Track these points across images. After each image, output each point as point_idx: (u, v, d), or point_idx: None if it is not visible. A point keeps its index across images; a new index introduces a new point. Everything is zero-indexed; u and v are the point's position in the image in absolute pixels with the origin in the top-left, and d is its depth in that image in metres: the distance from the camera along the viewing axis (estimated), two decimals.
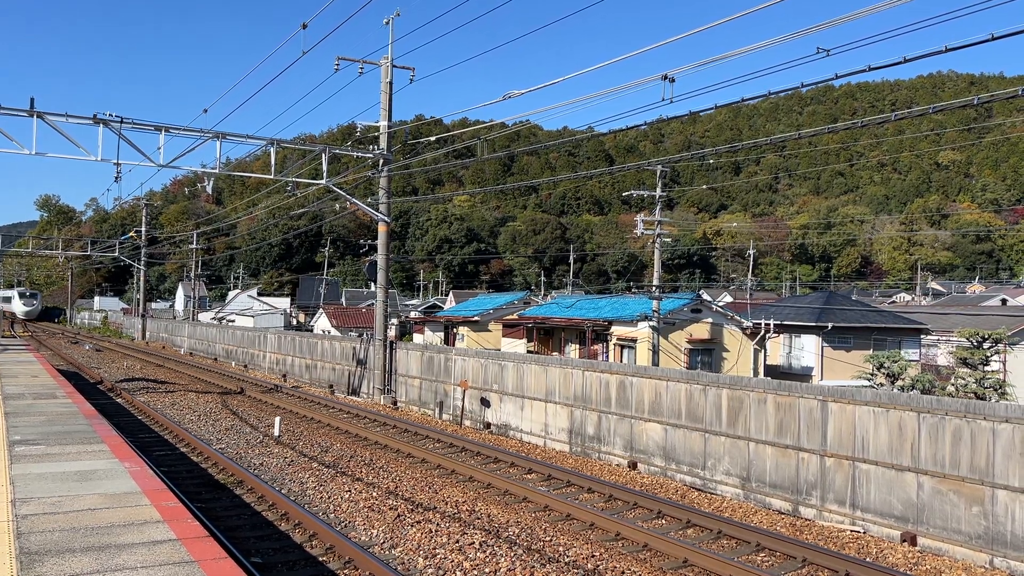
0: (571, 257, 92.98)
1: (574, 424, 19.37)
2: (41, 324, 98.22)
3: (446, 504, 12.76)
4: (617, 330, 34.02)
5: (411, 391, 26.75)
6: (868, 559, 11.12)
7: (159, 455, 16.10)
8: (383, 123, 27.40)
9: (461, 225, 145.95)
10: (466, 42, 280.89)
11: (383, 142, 27.30)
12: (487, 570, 9.58)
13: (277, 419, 19.30)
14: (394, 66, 27.43)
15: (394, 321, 48.08)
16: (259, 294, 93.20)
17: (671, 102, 15.15)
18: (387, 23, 27.16)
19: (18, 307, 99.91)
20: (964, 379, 30.92)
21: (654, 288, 32.99)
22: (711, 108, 17.40)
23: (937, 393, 29.86)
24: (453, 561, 9.88)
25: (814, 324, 39.75)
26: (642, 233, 34.28)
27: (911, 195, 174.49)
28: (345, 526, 11.43)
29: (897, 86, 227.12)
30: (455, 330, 46.07)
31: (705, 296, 47.95)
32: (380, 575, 9.16)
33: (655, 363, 30.74)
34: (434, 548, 10.37)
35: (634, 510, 13.28)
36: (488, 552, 10.25)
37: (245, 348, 42.71)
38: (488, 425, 22.49)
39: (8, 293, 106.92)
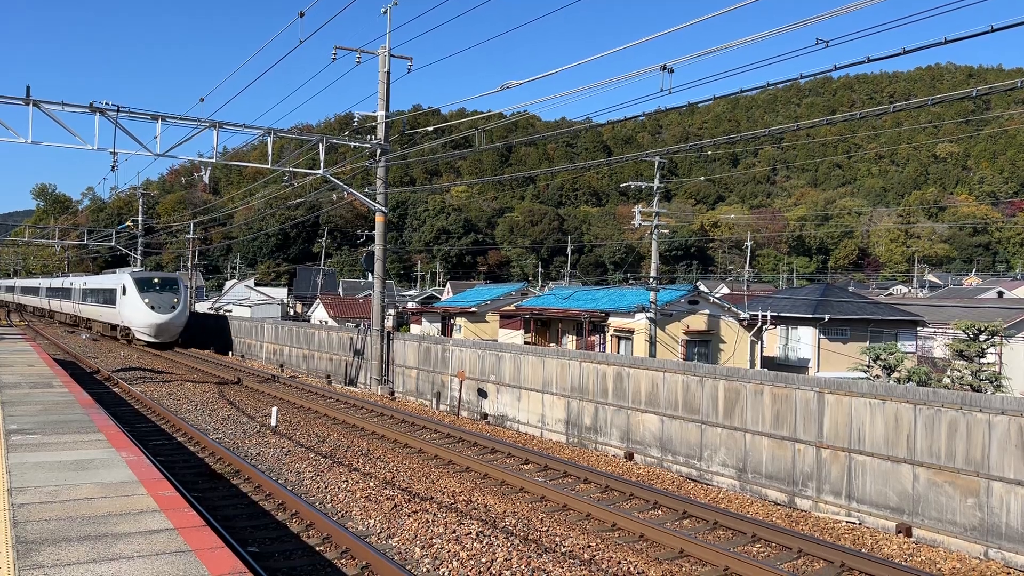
0: (568, 248, 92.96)
1: (571, 415, 19.40)
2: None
3: (443, 494, 12.77)
4: (614, 321, 34.03)
5: (408, 382, 26.75)
6: (863, 550, 11.15)
7: (156, 445, 16.09)
8: (380, 113, 27.30)
9: (458, 216, 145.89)
10: (464, 32, 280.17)
11: (380, 132, 27.21)
12: (484, 560, 9.60)
13: (274, 409, 19.30)
14: (392, 55, 27.31)
15: (391, 312, 48.06)
16: (256, 284, 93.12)
17: (670, 93, 15.12)
18: (385, 12, 27.04)
19: (142, 314, 40.49)
20: (960, 371, 31.01)
21: (651, 279, 32.99)
22: (709, 99, 17.35)
23: (933, 385, 29.94)
24: (450, 551, 9.89)
25: (811, 316, 39.80)
26: (640, 224, 34.25)
27: (908, 187, 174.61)
28: (342, 516, 11.44)
29: (895, 78, 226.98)
30: (452, 321, 46.06)
31: (702, 288, 47.97)
32: (377, 565, 9.17)
33: (652, 354, 30.77)
34: (431, 538, 10.38)
35: (630, 501, 13.31)
36: (485, 542, 10.27)
37: (242, 338, 42.66)
38: (485, 416, 22.51)
39: (111, 280, 45.14)
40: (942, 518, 11.91)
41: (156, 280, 41.26)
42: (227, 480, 13.37)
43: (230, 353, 42.57)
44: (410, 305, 63.06)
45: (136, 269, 47.91)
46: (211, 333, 46.32)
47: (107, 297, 44.59)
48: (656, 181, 32.90)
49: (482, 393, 22.79)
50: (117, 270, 48.09)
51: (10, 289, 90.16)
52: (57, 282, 63.28)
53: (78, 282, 54.01)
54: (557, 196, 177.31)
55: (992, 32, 11.66)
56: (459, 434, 18.40)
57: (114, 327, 44.21)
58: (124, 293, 41.01)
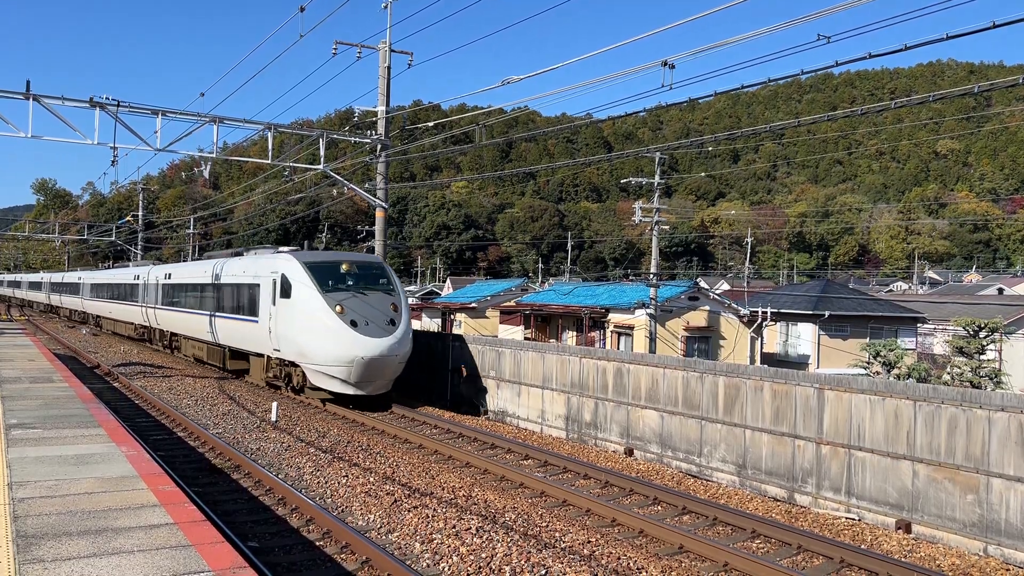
0: (569, 244, 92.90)
1: (571, 411, 19.40)
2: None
3: (443, 489, 12.78)
4: (614, 317, 34.05)
5: None
6: (863, 546, 11.17)
7: (156, 439, 16.10)
8: (381, 108, 27.26)
9: (459, 211, 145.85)
10: (465, 27, 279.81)
11: (381, 127, 27.18)
12: (484, 555, 9.61)
13: (274, 404, 19.29)
14: (392, 51, 27.26)
15: None
16: None
17: (670, 88, 15.12)
18: (385, 7, 26.97)
19: (334, 337, 19.15)
20: (960, 368, 31.03)
21: (651, 276, 32.98)
22: (710, 95, 17.36)
23: (933, 382, 29.96)
24: (450, 546, 9.90)
25: (811, 312, 39.82)
26: (640, 220, 34.28)
27: (909, 184, 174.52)
28: (342, 511, 11.45)
29: (896, 74, 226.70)
30: (452, 316, 46.10)
31: (702, 284, 47.97)
32: (377, 559, 9.18)
33: (652, 350, 30.77)
34: (431, 533, 10.39)
35: (630, 496, 13.31)
36: (485, 537, 10.28)
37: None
38: (485, 411, 22.51)
39: (242, 266, 24.08)
40: (941, 514, 11.92)
41: (347, 267, 20.85)
42: (227, 475, 13.38)
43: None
44: (410, 301, 63.03)
45: (287, 248, 24.06)
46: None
47: (231, 300, 24.42)
48: (656, 177, 32.88)
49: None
50: (248, 250, 26.85)
51: (36, 285, 73.64)
52: (111, 275, 43.90)
53: (155, 274, 33.88)
54: (557, 192, 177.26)
55: (994, 28, 11.64)
56: (459, 430, 18.41)
57: (243, 355, 24.76)
58: (282, 292, 20.74)
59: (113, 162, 23.22)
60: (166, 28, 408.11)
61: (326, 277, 20.29)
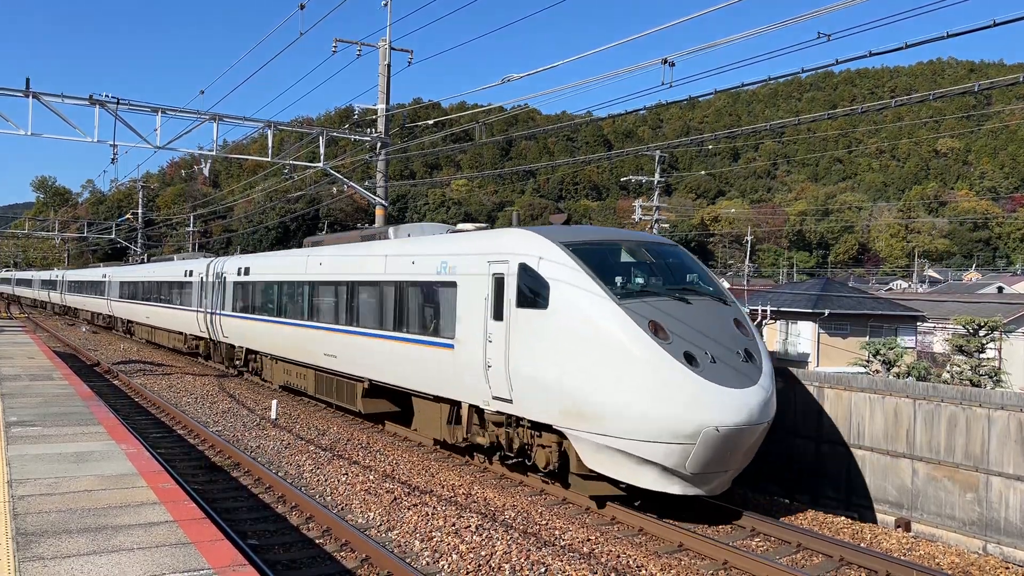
0: None
1: None
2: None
3: (443, 488, 12.78)
4: None
5: None
6: (862, 544, 11.17)
7: (156, 437, 16.11)
8: (381, 106, 27.25)
9: (459, 210, 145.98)
10: (465, 25, 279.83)
11: (381, 125, 27.16)
12: (483, 553, 9.61)
13: (274, 402, 19.30)
14: (392, 48, 27.24)
15: None
16: None
17: (671, 87, 15.09)
18: (385, 5, 26.95)
19: (683, 395, 9.82)
20: (960, 366, 31.04)
21: None
22: (710, 93, 17.36)
23: (932, 380, 29.96)
24: (449, 544, 9.91)
25: (811, 311, 39.83)
26: (640, 219, 34.28)
27: (909, 182, 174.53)
28: (342, 509, 11.45)
29: (897, 72, 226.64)
30: None
31: None
32: (377, 557, 9.19)
33: None
34: (431, 531, 10.40)
35: None
36: (484, 535, 10.28)
37: None
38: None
39: (488, 253, 12.39)
40: (941, 513, 11.93)
41: (631, 251, 12.02)
42: (227, 473, 13.39)
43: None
44: None
45: (471, 226, 15.60)
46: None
47: (381, 307, 15.85)
48: (656, 175, 32.89)
49: None
50: (387, 229, 18.06)
51: (49, 284, 65.60)
52: (149, 271, 35.47)
53: (217, 269, 26.61)
54: (557, 190, 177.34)
55: (994, 27, 11.63)
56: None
57: (397, 394, 16.28)
58: (521, 298, 11.67)
59: (113, 160, 23.24)
60: (166, 26, 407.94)
61: (608, 271, 11.30)
